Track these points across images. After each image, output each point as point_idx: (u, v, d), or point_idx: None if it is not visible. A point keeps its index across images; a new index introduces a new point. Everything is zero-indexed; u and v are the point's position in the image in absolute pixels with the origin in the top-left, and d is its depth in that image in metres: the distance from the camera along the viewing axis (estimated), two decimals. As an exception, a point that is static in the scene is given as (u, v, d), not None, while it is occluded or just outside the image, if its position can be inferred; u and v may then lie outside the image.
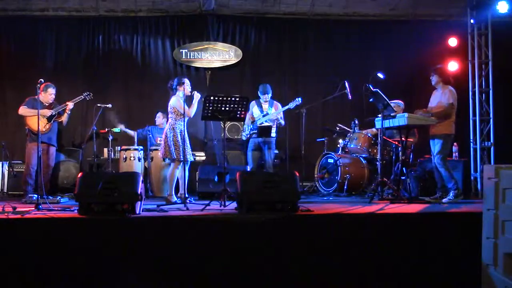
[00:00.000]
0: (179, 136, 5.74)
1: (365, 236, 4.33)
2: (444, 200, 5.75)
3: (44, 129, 6.18)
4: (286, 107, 6.90)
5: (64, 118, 6.51)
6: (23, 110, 6.29)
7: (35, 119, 6.01)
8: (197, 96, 5.82)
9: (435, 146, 5.86)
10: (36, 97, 6.23)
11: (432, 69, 6.10)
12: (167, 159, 5.86)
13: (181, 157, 5.70)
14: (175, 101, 5.83)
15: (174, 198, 5.78)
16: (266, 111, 6.93)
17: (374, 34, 8.71)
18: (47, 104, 6.39)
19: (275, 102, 7.06)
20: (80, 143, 8.15)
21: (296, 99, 6.89)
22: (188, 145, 5.85)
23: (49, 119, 6.25)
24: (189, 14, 8.55)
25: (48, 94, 6.39)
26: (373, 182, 6.70)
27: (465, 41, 8.31)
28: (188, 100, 5.86)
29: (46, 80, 6.23)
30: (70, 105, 6.43)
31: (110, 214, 4.32)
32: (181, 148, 5.70)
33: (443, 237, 4.32)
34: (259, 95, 7.01)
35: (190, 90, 5.90)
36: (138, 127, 7.83)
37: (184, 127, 5.80)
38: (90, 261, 4.02)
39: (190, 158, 5.86)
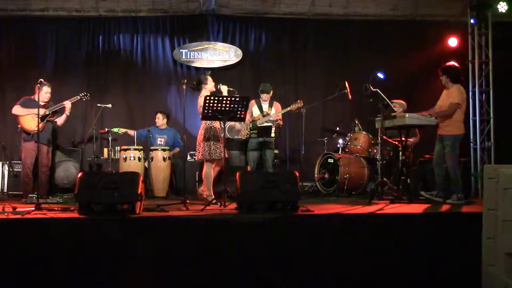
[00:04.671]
0: (208, 135, 5.66)
1: (365, 236, 4.33)
2: (448, 201, 5.74)
3: (37, 128, 6.14)
4: (287, 109, 6.79)
5: (61, 119, 6.46)
6: (17, 109, 6.24)
7: (28, 118, 6.04)
8: (224, 88, 5.72)
9: (445, 148, 5.80)
10: (32, 97, 6.24)
11: (441, 68, 6.04)
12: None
13: (207, 156, 5.62)
14: (200, 100, 5.72)
15: (212, 197, 5.56)
16: (265, 111, 6.88)
17: (374, 34, 8.69)
18: (42, 103, 6.35)
19: (275, 102, 6.98)
20: (80, 143, 8.14)
21: (299, 101, 6.76)
22: (219, 144, 5.71)
23: (42, 118, 6.18)
24: (189, 14, 8.54)
25: (43, 93, 6.32)
26: (373, 182, 6.70)
27: (465, 41, 8.31)
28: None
29: (46, 80, 6.22)
30: (68, 104, 6.36)
31: (110, 214, 4.32)
32: (207, 147, 5.61)
33: (443, 237, 4.32)
34: (260, 94, 6.90)
35: (213, 85, 5.84)
36: (138, 128, 7.83)
37: (218, 125, 5.72)
38: (90, 261, 4.01)
39: (214, 156, 5.66)
